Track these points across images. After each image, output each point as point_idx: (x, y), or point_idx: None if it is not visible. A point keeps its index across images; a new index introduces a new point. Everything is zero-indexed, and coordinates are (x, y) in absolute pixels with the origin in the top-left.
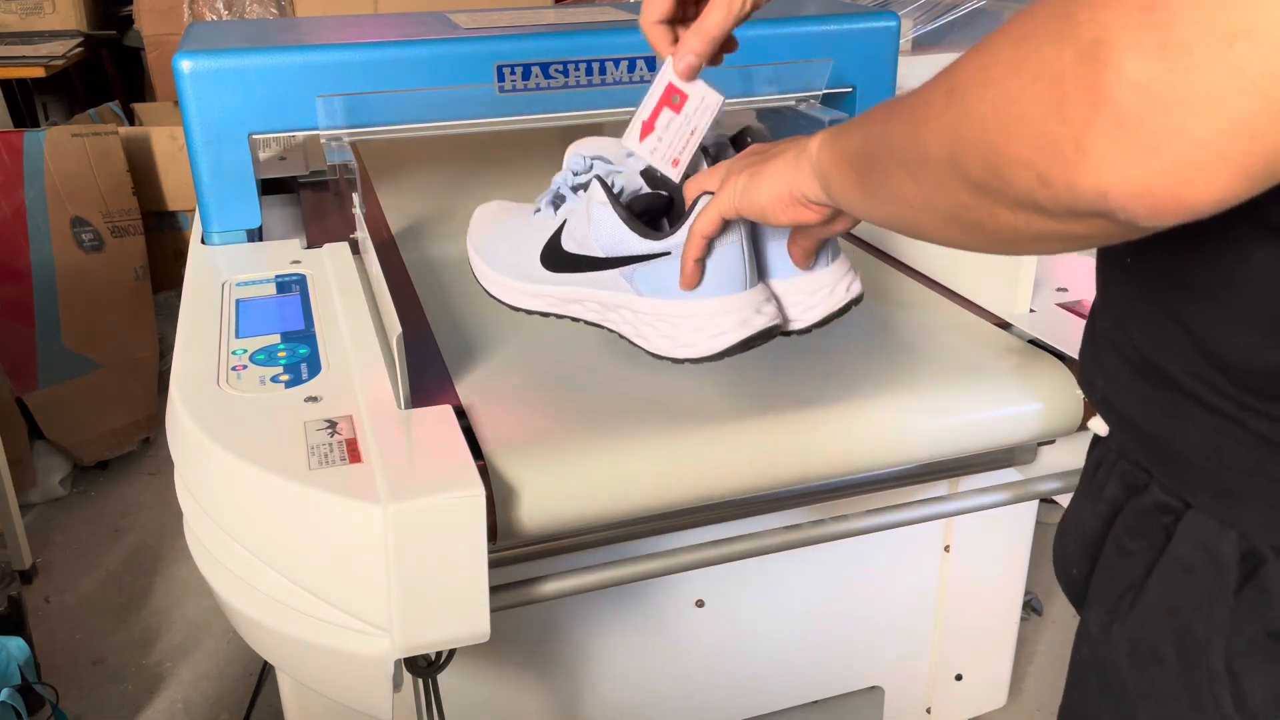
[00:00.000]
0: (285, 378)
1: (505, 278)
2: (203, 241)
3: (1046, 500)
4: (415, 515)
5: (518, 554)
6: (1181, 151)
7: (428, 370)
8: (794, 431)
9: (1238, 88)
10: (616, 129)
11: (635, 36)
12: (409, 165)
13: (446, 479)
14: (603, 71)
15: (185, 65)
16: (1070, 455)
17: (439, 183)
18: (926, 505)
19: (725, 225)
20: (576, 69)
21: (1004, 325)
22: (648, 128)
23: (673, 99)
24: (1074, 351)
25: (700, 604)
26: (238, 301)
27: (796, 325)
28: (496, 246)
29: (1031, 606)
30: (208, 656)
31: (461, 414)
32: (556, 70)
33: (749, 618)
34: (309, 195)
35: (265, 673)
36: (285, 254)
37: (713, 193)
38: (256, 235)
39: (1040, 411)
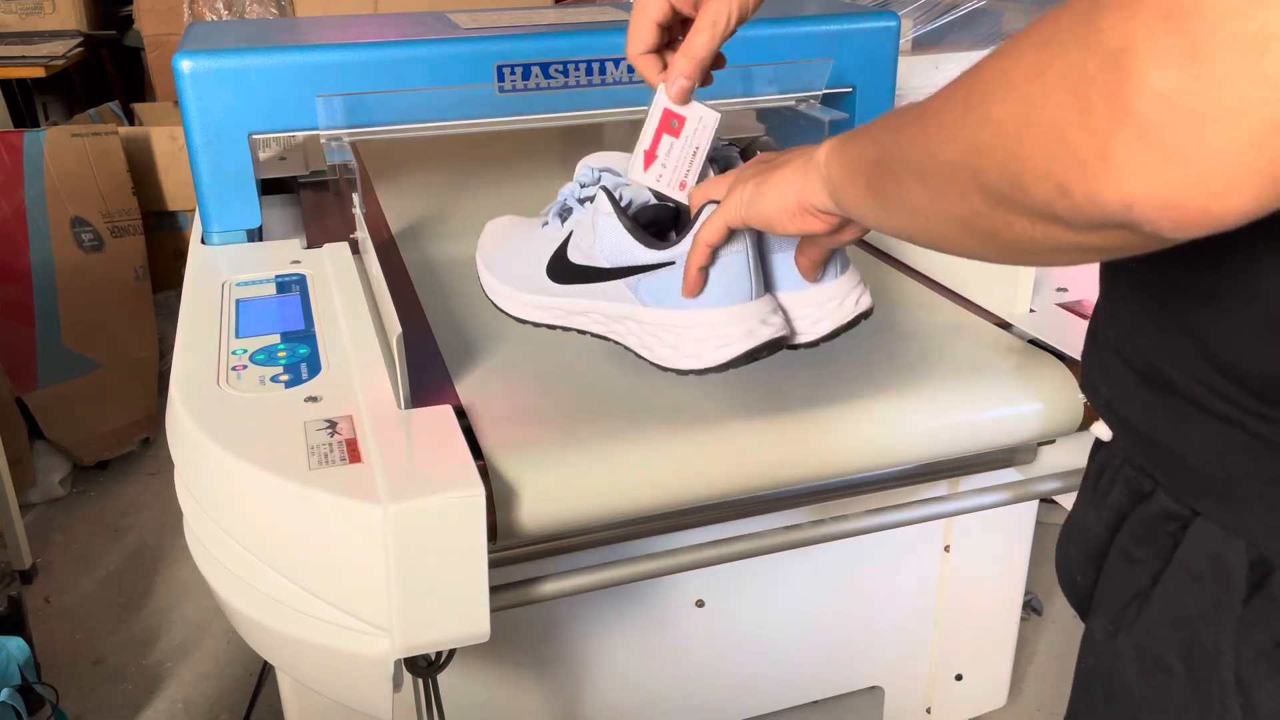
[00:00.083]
0: (285, 378)
1: (511, 290)
2: (203, 241)
3: (1046, 500)
4: (415, 515)
5: (518, 554)
6: (1209, 163)
7: (428, 370)
8: (794, 431)
9: (1269, 96)
10: (616, 129)
11: None
12: (409, 165)
13: (446, 479)
14: (603, 71)
15: (185, 65)
16: (1070, 455)
17: (439, 183)
18: (926, 505)
19: (731, 234)
20: (576, 69)
21: (1004, 325)
22: (650, 157)
23: (670, 124)
24: (1074, 351)
25: (700, 604)
26: (238, 301)
27: (804, 338)
28: (504, 260)
29: (1031, 606)
30: (208, 656)
31: (461, 414)
32: (556, 70)
33: (749, 618)
34: (309, 195)
35: (265, 673)
36: (285, 254)
37: (718, 201)
38: (256, 235)
39: (1040, 411)
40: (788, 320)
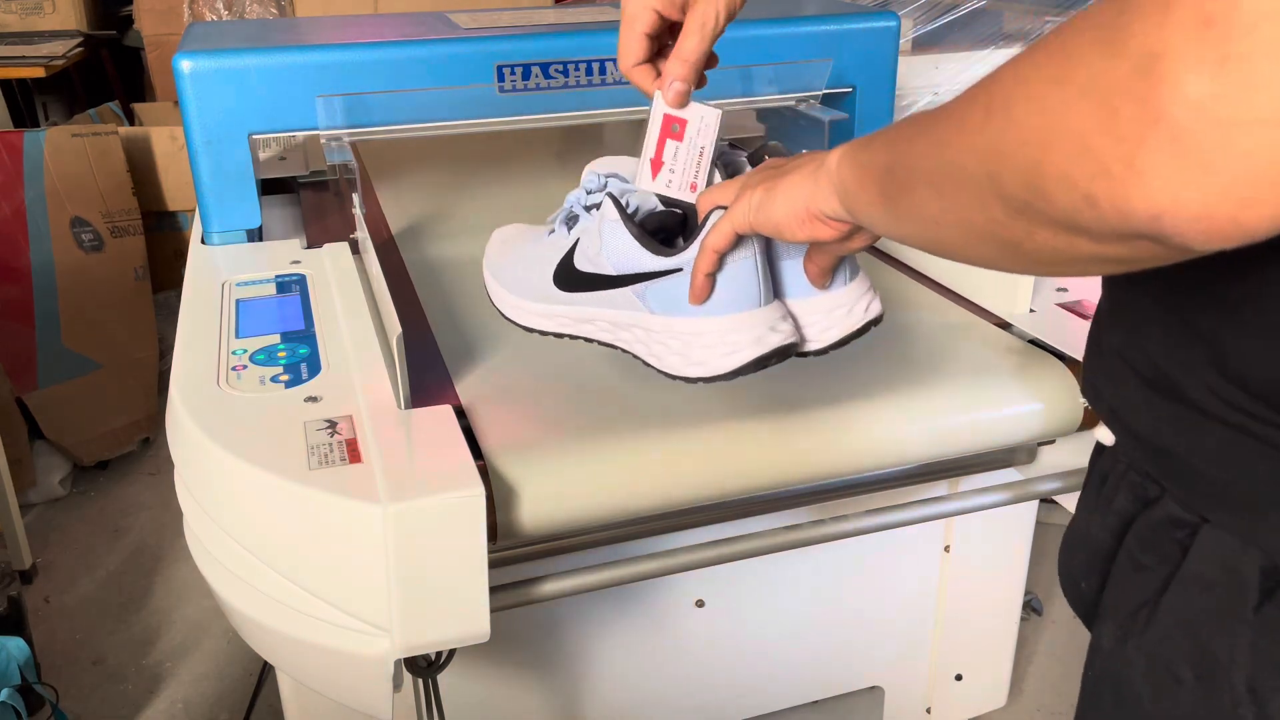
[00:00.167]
0: (285, 378)
1: (518, 299)
2: (203, 241)
3: (1046, 500)
4: (415, 515)
5: (518, 554)
6: (1239, 170)
7: (428, 370)
8: (794, 431)
9: None
10: (616, 129)
11: None
12: (409, 165)
13: (446, 479)
14: (603, 71)
15: (185, 65)
16: (1070, 455)
17: (439, 183)
18: (926, 505)
19: (739, 240)
20: (576, 69)
21: (1004, 325)
22: (657, 164)
23: (672, 128)
24: (1074, 351)
25: (700, 604)
26: (238, 301)
27: (813, 346)
28: (510, 268)
29: (1031, 606)
30: (208, 656)
31: (461, 414)
32: (556, 70)
33: (749, 618)
34: (309, 195)
35: (265, 673)
36: (285, 254)
37: (726, 207)
38: (256, 235)
39: (1040, 411)
40: (797, 327)
